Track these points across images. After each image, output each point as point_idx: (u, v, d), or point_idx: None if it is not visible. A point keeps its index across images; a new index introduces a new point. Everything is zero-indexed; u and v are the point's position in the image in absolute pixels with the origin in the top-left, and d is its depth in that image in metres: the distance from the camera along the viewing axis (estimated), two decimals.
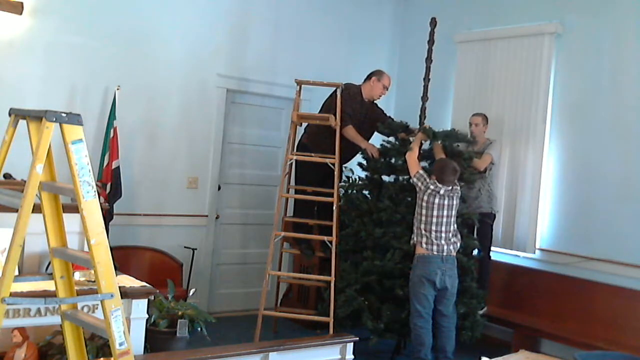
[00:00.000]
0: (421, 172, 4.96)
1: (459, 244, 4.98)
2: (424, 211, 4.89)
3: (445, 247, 4.86)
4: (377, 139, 5.76)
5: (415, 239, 4.94)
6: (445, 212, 4.88)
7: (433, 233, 4.85)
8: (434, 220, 4.86)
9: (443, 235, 4.87)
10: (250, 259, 6.53)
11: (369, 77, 5.76)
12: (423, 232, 4.87)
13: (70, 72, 5.30)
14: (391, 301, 5.11)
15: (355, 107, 5.61)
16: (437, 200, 4.85)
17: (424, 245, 4.85)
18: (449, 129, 6.41)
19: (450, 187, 4.89)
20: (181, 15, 5.84)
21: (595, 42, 5.62)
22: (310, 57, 6.55)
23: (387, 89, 5.81)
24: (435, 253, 4.83)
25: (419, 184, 4.92)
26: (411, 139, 5.35)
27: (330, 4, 6.77)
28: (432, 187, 4.86)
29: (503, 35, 6.15)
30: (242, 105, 6.41)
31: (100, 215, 2.43)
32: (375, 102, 5.82)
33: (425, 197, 4.87)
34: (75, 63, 5.33)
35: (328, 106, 5.59)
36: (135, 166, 5.67)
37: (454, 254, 4.94)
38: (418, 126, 5.42)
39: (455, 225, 5.00)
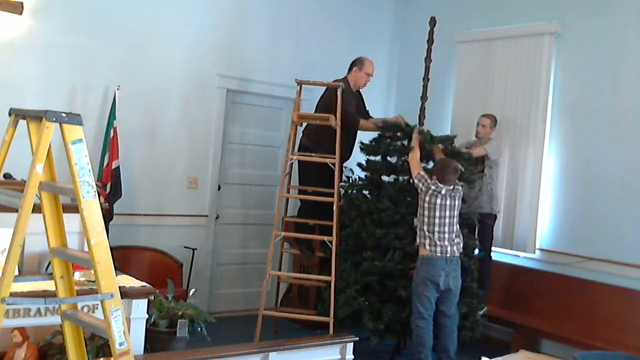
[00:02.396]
0: (422, 173, 4.96)
1: (461, 245, 4.99)
2: (426, 212, 4.89)
3: (448, 248, 4.86)
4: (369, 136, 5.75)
5: (418, 240, 4.94)
6: (447, 213, 4.88)
7: (436, 234, 4.84)
8: (437, 221, 4.86)
9: (446, 236, 4.86)
10: (250, 259, 6.52)
11: (350, 68, 5.77)
12: (426, 233, 4.87)
13: (70, 72, 5.30)
14: (392, 301, 5.11)
15: (352, 101, 5.63)
16: (439, 201, 4.85)
17: (428, 247, 4.85)
18: (448, 131, 6.47)
19: (451, 187, 4.89)
20: (181, 15, 5.84)
21: (595, 42, 5.62)
22: (310, 57, 6.55)
23: (371, 76, 5.80)
24: (439, 254, 4.83)
25: (420, 185, 4.92)
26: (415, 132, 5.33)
27: (330, 3, 6.77)
28: (433, 187, 4.86)
29: (503, 35, 6.15)
30: (242, 105, 6.41)
31: (100, 215, 2.43)
32: (360, 90, 5.84)
33: (427, 198, 4.87)
34: (75, 63, 5.32)
35: (324, 106, 5.58)
36: (135, 166, 5.67)
37: (457, 254, 4.94)
38: (417, 125, 5.40)
39: (458, 226, 5.00)
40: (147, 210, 5.78)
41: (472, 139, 5.92)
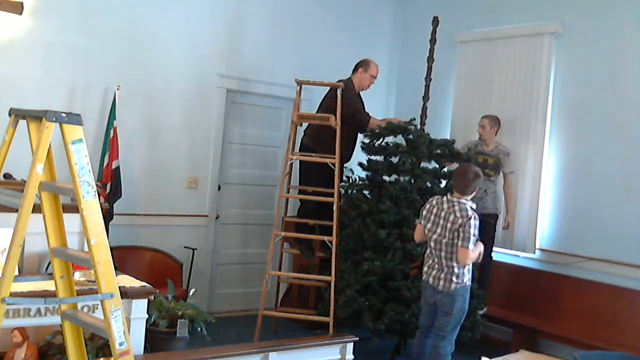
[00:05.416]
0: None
1: (457, 283, 4.36)
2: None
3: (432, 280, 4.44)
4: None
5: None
6: (437, 232, 4.41)
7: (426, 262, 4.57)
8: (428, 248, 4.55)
9: (435, 267, 4.43)
10: (250, 259, 6.52)
11: (355, 69, 5.78)
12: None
13: (70, 72, 5.30)
14: (392, 301, 5.10)
15: (358, 101, 5.68)
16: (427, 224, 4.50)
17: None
18: (447, 131, 6.47)
19: (450, 200, 4.41)
20: (181, 15, 5.84)
21: (595, 42, 5.62)
22: (310, 57, 6.55)
23: (375, 78, 5.81)
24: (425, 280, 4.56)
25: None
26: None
27: (331, 3, 6.77)
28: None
29: (503, 35, 6.15)
30: (242, 105, 6.41)
31: (100, 215, 2.43)
32: (359, 92, 5.85)
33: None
34: (75, 63, 5.32)
35: (327, 106, 5.58)
36: (135, 166, 5.67)
37: (452, 288, 4.37)
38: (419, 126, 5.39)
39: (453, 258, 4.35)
40: (147, 210, 5.78)
41: (474, 139, 5.93)
